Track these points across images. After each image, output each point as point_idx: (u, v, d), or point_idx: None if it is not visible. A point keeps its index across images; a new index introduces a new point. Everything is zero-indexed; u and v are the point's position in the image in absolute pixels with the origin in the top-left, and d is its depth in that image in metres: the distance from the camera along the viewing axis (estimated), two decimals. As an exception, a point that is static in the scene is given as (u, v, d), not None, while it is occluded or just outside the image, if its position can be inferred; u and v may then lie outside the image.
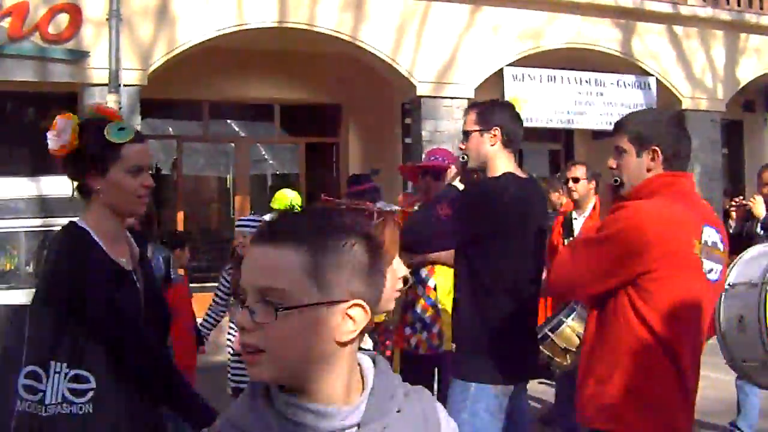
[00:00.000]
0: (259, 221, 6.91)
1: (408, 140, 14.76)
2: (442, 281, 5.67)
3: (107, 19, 11.45)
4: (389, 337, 6.06)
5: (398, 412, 1.69)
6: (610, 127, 3.79)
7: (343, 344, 1.60)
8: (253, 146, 16.01)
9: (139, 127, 8.50)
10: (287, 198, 8.73)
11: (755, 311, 4.24)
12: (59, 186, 8.94)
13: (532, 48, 14.20)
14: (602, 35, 14.75)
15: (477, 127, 4.25)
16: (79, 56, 11.47)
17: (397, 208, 4.94)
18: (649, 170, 3.43)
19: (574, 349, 5.29)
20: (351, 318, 1.59)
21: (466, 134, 4.30)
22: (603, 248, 3.31)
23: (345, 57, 13.94)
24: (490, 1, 13.83)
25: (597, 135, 15.46)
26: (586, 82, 14.65)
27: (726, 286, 4.13)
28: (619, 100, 14.36)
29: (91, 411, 2.84)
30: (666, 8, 15.17)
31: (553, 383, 7.55)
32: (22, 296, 8.50)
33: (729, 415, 7.12)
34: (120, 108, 11.19)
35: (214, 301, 7.21)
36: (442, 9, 13.53)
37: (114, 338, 2.91)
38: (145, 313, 3.09)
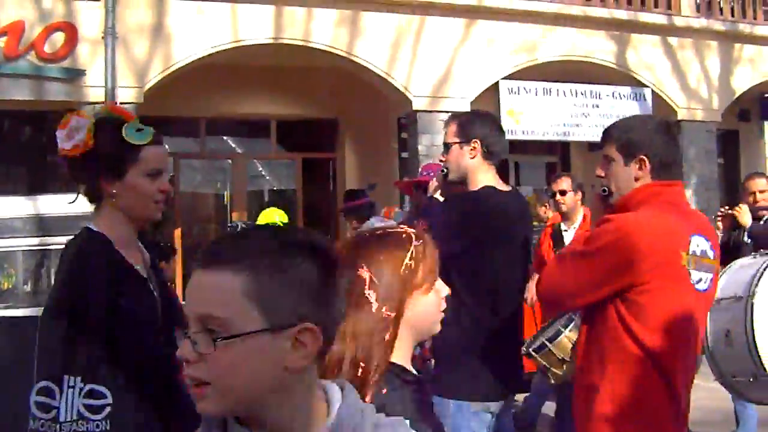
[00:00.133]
0: None
1: (405, 155, 14.76)
2: None
3: (103, 37, 11.47)
4: None
5: None
6: (606, 139, 3.76)
7: (296, 372, 1.49)
8: (250, 162, 15.99)
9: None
10: (272, 217, 8.69)
11: (742, 324, 4.21)
12: (57, 205, 8.96)
13: (528, 61, 14.22)
14: (597, 47, 14.78)
15: (457, 139, 4.19)
16: (75, 74, 11.47)
17: (393, 223, 4.94)
18: (637, 179, 3.38)
19: (569, 359, 5.26)
20: (302, 343, 1.48)
21: (447, 146, 4.25)
22: (589, 262, 3.28)
23: (341, 72, 13.95)
24: (485, 15, 13.86)
25: (593, 147, 15.43)
26: (582, 94, 14.67)
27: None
28: (615, 112, 14.35)
29: (108, 429, 2.67)
30: (660, 19, 15.21)
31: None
32: (19, 315, 8.48)
33: (727, 425, 7.10)
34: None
35: None
36: (437, 23, 13.56)
37: (114, 342, 2.73)
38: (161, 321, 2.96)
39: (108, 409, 2.68)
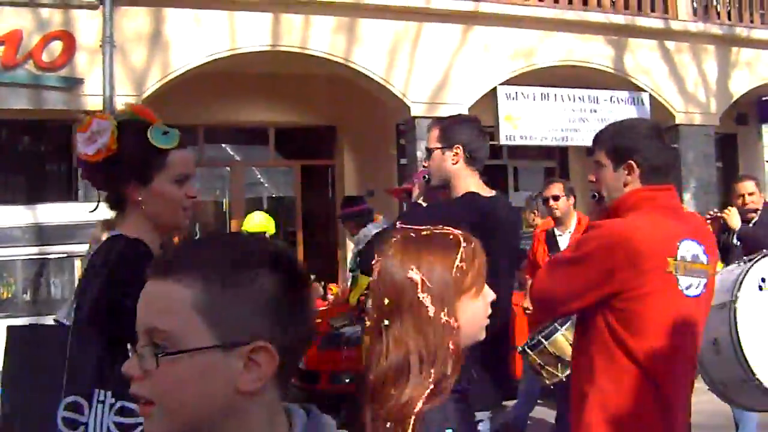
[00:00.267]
0: None
1: (403, 161, 14.76)
2: None
3: (100, 46, 11.48)
4: None
5: None
6: (605, 144, 3.74)
7: (249, 394, 1.35)
8: (249, 170, 16.00)
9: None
10: (254, 222, 8.60)
11: (727, 330, 4.20)
12: (55, 214, 8.97)
13: (525, 66, 14.23)
14: (595, 52, 14.79)
15: (439, 145, 4.11)
16: (73, 83, 11.48)
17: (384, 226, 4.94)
18: (626, 184, 3.35)
19: (567, 359, 5.18)
20: (255, 363, 1.34)
21: (429, 152, 4.18)
22: (576, 268, 3.27)
23: (338, 79, 13.96)
24: (483, 21, 13.87)
25: (591, 152, 15.41)
26: (580, 99, 14.69)
27: None
28: (613, 117, 14.29)
29: None
30: (657, 24, 15.23)
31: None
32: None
33: (729, 429, 7.09)
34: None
35: None
36: (434, 29, 13.57)
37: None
38: None
39: (140, 429, 2.39)
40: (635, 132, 3.43)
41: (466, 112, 13.09)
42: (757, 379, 4.14)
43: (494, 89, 13.98)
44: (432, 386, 1.96)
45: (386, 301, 2.05)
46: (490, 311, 2.16)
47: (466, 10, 13.66)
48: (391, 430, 1.95)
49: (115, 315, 2.44)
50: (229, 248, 1.41)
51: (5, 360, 2.74)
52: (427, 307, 2.00)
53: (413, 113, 13.37)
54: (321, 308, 10.93)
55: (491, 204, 4.03)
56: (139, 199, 2.72)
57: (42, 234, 8.84)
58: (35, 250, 8.84)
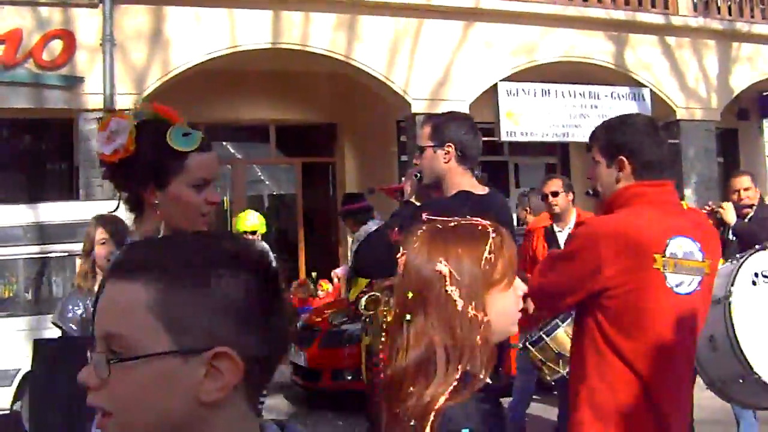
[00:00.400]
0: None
1: (404, 158, 14.76)
2: None
3: (101, 44, 11.48)
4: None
5: None
6: (605, 140, 3.72)
7: (212, 405, 1.25)
8: (250, 167, 16.00)
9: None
10: (245, 221, 8.56)
11: (723, 326, 4.19)
12: (57, 212, 8.97)
13: (526, 62, 14.23)
14: (595, 48, 14.79)
15: (430, 143, 4.06)
16: (73, 82, 11.47)
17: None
18: (618, 181, 3.35)
19: (568, 355, 5.15)
20: (218, 371, 1.24)
21: (421, 149, 4.14)
22: (566, 264, 3.27)
23: (339, 76, 13.96)
24: (483, 17, 13.86)
25: (589, 148, 15.40)
26: (581, 95, 14.68)
27: None
28: (614, 112, 14.07)
29: None
30: (658, 19, 15.22)
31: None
32: (21, 323, 8.49)
33: (732, 424, 7.08)
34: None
35: None
36: (435, 26, 13.56)
37: None
38: None
39: None
40: (627, 128, 3.42)
41: (467, 108, 13.11)
42: (756, 374, 4.12)
43: (495, 85, 13.98)
44: (456, 383, 1.89)
45: (410, 294, 1.98)
46: (522, 305, 2.08)
47: (466, 7, 13.65)
48: (410, 427, 1.89)
49: None
50: (191, 247, 1.32)
51: (33, 374, 2.64)
52: (455, 300, 1.93)
53: (414, 110, 13.36)
54: (317, 306, 10.93)
55: (484, 202, 3.96)
56: (156, 202, 2.61)
57: (43, 233, 8.84)
58: (36, 249, 8.84)
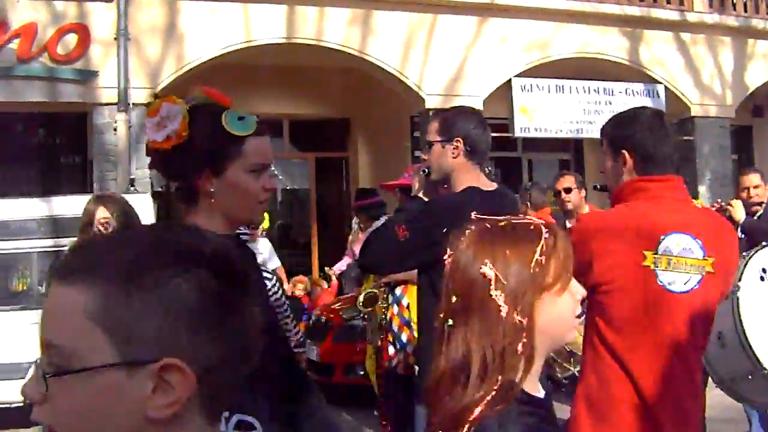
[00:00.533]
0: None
1: (418, 153, 14.75)
2: (414, 300, 5.49)
3: (115, 39, 11.50)
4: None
5: None
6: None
7: (161, 423, 1.13)
8: (263, 162, 15.98)
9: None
10: None
11: (731, 322, 4.17)
12: (70, 206, 8.99)
13: (541, 58, 14.19)
14: (610, 44, 14.74)
15: (439, 138, 4.02)
16: (88, 76, 11.50)
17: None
18: (621, 175, 3.34)
19: (580, 354, 5.09)
20: (167, 384, 1.12)
21: (429, 145, 4.09)
22: None
23: (353, 71, 13.96)
24: (498, 13, 13.84)
25: (601, 143, 15.37)
26: (595, 91, 14.64)
27: None
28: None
29: None
30: (673, 15, 15.16)
31: None
32: (34, 317, 8.51)
33: (743, 422, 7.06)
34: (130, 127, 11.24)
35: None
36: (449, 21, 13.54)
37: None
38: None
39: None
40: (631, 122, 3.38)
41: (480, 104, 13.10)
42: (765, 369, 4.10)
43: (509, 81, 13.96)
44: (494, 392, 1.77)
45: (454, 299, 1.88)
46: (579, 309, 1.93)
47: (481, 2, 13.64)
48: None
49: None
50: (137, 245, 1.18)
51: None
52: (499, 306, 1.80)
53: (428, 105, 13.33)
54: (328, 303, 10.92)
55: (493, 198, 3.91)
56: (211, 190, 2.44)
57: (57, 226, 8.86)
58: (50, 242, 8.86)
